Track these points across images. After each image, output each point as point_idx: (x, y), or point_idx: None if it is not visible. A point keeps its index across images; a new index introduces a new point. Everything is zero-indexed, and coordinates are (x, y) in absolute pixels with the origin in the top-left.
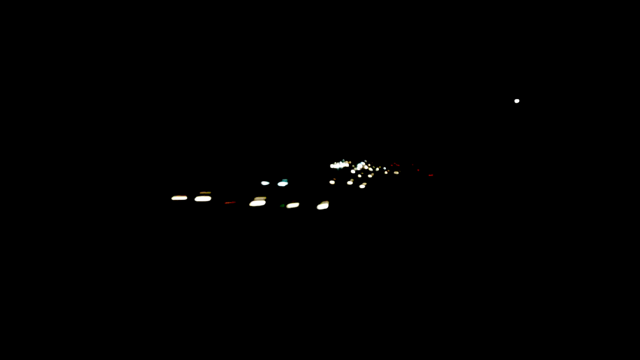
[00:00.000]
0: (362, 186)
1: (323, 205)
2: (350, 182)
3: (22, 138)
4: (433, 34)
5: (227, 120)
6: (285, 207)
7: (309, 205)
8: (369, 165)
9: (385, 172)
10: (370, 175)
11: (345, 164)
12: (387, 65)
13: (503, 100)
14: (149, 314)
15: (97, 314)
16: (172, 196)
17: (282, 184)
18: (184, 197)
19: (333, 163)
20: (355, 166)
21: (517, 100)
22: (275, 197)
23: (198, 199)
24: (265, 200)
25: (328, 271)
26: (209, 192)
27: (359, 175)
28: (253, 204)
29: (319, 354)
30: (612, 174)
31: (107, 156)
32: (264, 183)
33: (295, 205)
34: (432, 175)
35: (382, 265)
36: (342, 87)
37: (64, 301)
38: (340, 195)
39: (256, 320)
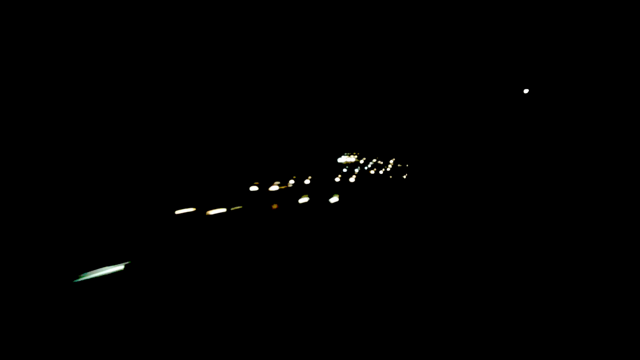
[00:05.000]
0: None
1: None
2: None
3: (21, 139)
4: (431, 35)
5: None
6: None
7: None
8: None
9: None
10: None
11: (352, 159)
12: (388, 65)
13: (501, 98)
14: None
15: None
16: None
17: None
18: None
19: (339, 157)
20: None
21: (526, 90)
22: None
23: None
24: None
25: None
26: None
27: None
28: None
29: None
30: (611, 171)
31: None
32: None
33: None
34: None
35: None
36: (343, 88)
37: (66, 300)
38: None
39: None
